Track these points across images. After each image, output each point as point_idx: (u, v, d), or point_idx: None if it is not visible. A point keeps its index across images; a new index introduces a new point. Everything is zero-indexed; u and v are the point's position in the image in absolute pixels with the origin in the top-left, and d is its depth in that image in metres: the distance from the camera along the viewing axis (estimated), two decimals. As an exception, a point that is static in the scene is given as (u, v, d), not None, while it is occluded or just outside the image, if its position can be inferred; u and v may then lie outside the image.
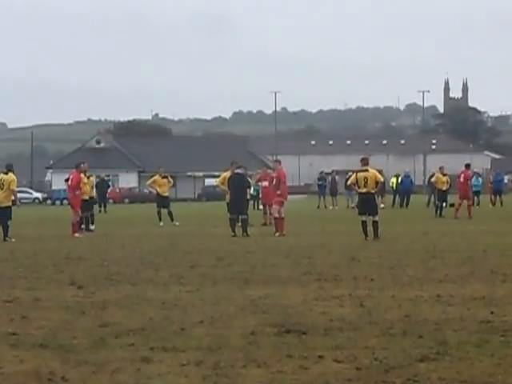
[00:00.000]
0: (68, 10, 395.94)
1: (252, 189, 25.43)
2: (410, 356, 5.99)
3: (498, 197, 39.33)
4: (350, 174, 39.10)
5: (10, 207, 19.52)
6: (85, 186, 22.98)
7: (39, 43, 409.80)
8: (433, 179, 31.28)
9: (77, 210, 21.43)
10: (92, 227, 23.50)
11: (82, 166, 22.46)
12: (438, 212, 28.26)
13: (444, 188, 29.07)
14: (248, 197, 22.56)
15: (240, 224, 20.20)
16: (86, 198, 23.20)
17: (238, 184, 20.61)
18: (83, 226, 22.82)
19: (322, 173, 45.03)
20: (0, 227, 19.32)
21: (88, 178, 23.93)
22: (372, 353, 6.10)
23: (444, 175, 29.55)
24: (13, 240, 18.90)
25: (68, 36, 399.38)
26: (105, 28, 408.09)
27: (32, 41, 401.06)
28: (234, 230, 19.87)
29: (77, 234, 20.71)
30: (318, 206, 41.31)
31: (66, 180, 22.86)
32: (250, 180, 24.02)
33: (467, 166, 28.92)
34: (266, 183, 24.56)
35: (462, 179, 27.86)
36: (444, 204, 29.34)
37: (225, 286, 10.10)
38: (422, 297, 8.88)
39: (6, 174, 19.65)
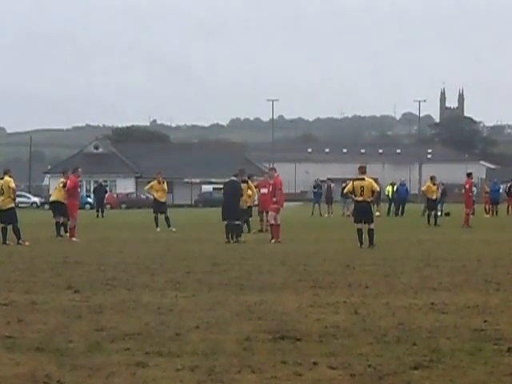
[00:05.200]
0: (64, 15, 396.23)
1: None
2: (404, 363, 6.03)
3: (494, 206, 39.25)
4: (347, 182, 39.31)
5: (13, 208, 19.56)
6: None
7: (38, 47, 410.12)
8: (423, 188, 31.47)
9: (74, 215, 21.48)
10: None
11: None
12: (433, 221, 28.33)
13: (434, 197, 29.24)
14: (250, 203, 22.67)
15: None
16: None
17: (230, 190, 20.64)
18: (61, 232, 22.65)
19: (317, 180, 45.13)
20: (10, 232, 19.37)
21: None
22: (366, 360, 6.15)
23: (434, 184, 29.74)
24: (26, 243, 18.95)
25: (66, 40, 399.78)
26: (103, 33, 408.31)
27: (31, 44, 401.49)
28: (227, 236, 19.94)
29: (74, 239, 20.74)
30: (312, 213, 41.39)
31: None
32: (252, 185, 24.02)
33: (468, 174, 29.21)
34: (264, 190, 24.59)
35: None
36: (439, 213, 29.47)
37: (220, 291, 10.14)
38: (416, 304, 8.93)
39: (2, 178, 19.69)
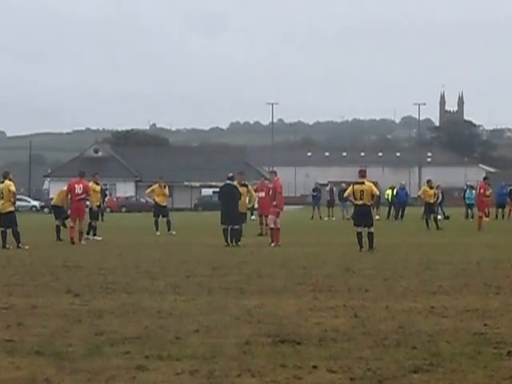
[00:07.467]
0: (64, 16, 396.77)
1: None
2: (404, 367, 6.03)
3: (500, 210, 38.93)
4: (343, 185, 39.39)
5: (13, 212, 19.57)
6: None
7: (37, 51, 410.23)
8: (419, 193, 31.50)
9: (76, 218, 21.60)
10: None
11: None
12: (432, 224, 28.32)
13: (431, 201, 29.25)
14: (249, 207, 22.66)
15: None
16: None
17: (228, 194, 20.55)
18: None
19: (316, 184, 45.20)
20: (10, 236, 19.37)
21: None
22: (366, 363, 6.14)
23: (431, 188, 29.73)
24: (26, 247, 18.95)
25: (65, 43, 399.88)
26: (103, 36, 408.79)
27: (31, 47, 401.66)
28: (226, 240, 19.93)
29: (83, 242, 20.91)
30: (312, 217, 41.45)
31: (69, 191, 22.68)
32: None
33: (485, 178, 29.27)
34: (262, 194, 24.59)
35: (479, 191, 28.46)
36: (439, 216, 29.48)
37: (220, 295, 10.14)
38: (416, 308, 8.93)
39: (2, 182, 19.70)
